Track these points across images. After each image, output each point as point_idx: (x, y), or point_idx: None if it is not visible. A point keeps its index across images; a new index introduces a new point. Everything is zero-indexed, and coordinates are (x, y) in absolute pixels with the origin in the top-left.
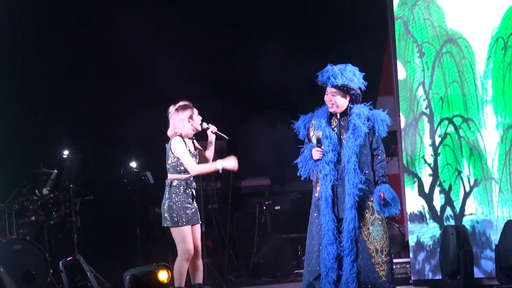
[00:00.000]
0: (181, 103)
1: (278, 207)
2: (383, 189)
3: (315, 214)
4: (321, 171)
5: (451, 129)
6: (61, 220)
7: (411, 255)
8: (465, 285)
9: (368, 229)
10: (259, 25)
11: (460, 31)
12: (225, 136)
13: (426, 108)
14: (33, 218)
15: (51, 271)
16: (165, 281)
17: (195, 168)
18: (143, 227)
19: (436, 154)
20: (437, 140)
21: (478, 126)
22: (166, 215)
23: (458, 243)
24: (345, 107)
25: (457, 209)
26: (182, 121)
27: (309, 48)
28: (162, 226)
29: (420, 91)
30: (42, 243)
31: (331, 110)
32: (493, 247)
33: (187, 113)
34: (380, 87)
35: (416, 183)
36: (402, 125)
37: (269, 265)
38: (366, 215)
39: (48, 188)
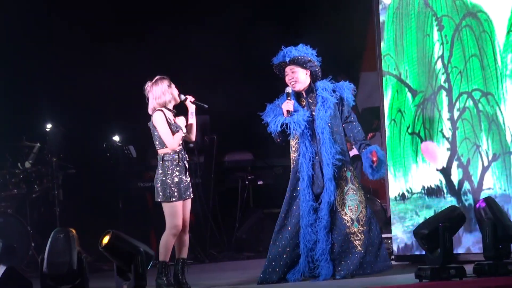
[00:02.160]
0: (158, 76)
1: (261, 182)
2: (373, 149)
3: (294, 194)
4: (296, 132)
5: (470, 103)
6: (43, 193)
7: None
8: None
9: (343, 199)
10: (247, 5)
11: (480, 4)
12: (204, 104)
13: (444, 82)
14: (15, 191)
15: (33, 244)
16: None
17: (173, 142)
18: (125, 201)
19: (454, 128)
20: (456, 114)
21: (497, 100)
22: (159, 189)
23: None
24: (307, 82)
25: (475, 183)
26: (162, 90)
27: (294, 26)
28: (155, 200)
29: (439, 64)
30: (24, 216)
31: (295, 88)
32: None
33: (166, 82)
34: (363, 63)
35: None
36: (420, 100)
37: (251, 240)
38: (341, 185)
39: (30, 162)
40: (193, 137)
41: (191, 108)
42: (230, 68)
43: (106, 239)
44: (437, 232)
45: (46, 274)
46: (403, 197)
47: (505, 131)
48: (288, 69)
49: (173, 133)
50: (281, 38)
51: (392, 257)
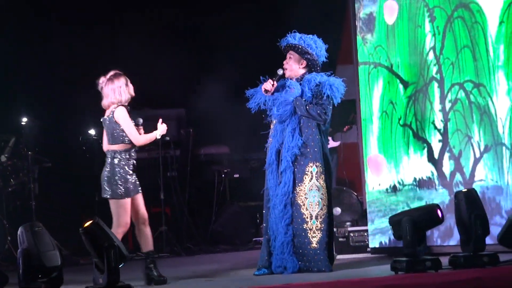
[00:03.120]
0: (112, 72)
1: (237, 175)
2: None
3: (267, 178)
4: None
5: (461, 94)
6: (19, 187)
7: None
8: (475, 250)
9: (305, 194)
10: None
11: None
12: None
13: (436, 73)
14: None
15: (9, 238)
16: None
17: (140, 139)
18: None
19: (446, 119)
20: (448, 105)
21: (489, 92)
22: (106, 186)
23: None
24: (299, 72)
25: (467, 175)
26: (119, 88)
27: (266, 17)
28: (102, 196)
29: (431, 56)
30: (0, 210)
31: (286, 74)
32: (503, 213)
33: (122, 80)
34: (339, 56)
35: (426, 149)
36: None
37: (227, 233)
38: (304, 180)
39: (6, 155)
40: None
41: (157, 134)
42: (205, 60)
43: (88, 223)
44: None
45: (35, 266)
46: (394, 189)
47: (497, 123)
48: (288, 54)
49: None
50: (258, 31)
51: (368, 249)
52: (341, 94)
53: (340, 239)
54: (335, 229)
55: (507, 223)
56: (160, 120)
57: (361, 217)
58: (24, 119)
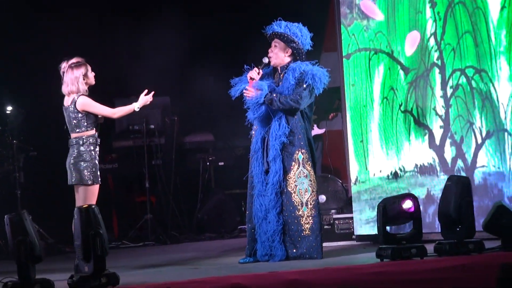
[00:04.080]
0: (74, 59)
1: (222, 163)
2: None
3: (251, 166)
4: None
5: (463, 80)
6: (4, 176)
7: (421, 207)
8: (467, 237)
9: (295, 181)
10: None
11: None
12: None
13: (437, 59)
14: None
15: None
16: None
17: (116, 111)
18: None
19: (447, 105)
20: (449, 91)
21: (491, 77)
22: (74, 172)
23: (460, 194)
24: (285, 61)
25: (469, 161)
26: (77, 79)
27: (249, 3)
28: (69, 183)
29: (432, 41)
30: None
31: (271, 63)
32: (505, 199)
33: (82, 70)
34: (324, 43)
35: (427, 135)
36: (408, 54)
37: (213, 221)
38: (292, 168)
39: None
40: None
41: (136, 106)
42: (190, 49)
43: (84, 207)
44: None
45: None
46: (395, 175)
47: (499, 108)
48: (273, 42)
49: (96, 117)
50: (241, 17)
51: (353, 236)
52: (323, 84)
53: (326, 227)
54: None
55: (492, 210)
56: (146, 91)
57: (346, 205)
58: (9, 108)
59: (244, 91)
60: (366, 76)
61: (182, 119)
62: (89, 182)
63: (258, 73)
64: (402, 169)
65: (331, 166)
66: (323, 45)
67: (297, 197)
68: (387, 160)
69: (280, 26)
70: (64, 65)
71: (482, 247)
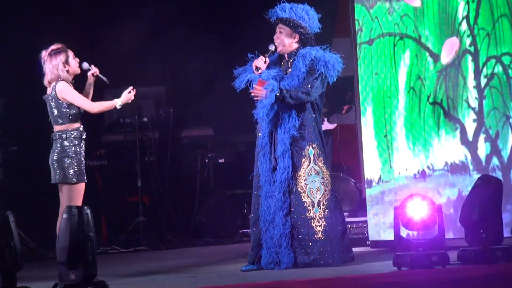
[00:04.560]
0: (53, 46)
1: (222, 160)
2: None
3: (257, 164)
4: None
5: (499, 69)
6: None
7: (451, 210)
8: (494, 243)
9: (305, 180)
10: None
11: None
12: (106, 79)
13: (470, 46)
14: None
15: None
16: None
17: (96, 105)
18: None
19: (481, 97)
20: (483, 81)
21: None
22: (57, 170)
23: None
24: (292, 47)
25: (505, 158)
26: (56, 67)
27: None
28: (52, 182)
29: (464, 26)
30: None
31: (278, 50)
32: None
33: (61, 57)
34: (336, 29)
35: (458, 130)
36: (444, 62)
37: (212, 224)
38: (302, 164)
39: None
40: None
41: (90, 80)
42: (187, 33)
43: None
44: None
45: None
46: (423, 174)
47: None
48: (278, 28)
49: (67, 112)
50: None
51: (368, 242)
52: (337, 71)
53: None
54: None
55: None
56: (130, 88)
57: (360, 207)
58: None
59: (252, 91)
60: (390, 63)
61: (178, 111)
62: (74, 181)
63: (265, 62)
64: (431, 168)
65: (343, 164)
66: (334, 30)
67: (307, 197)
68: (414, 157)
69: (284, 10)
70: (43, 54)
71: (511, 255)
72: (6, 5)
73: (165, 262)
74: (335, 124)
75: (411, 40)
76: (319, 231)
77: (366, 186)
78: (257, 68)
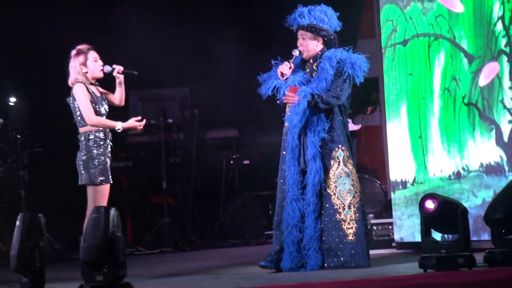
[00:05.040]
0: (78, 46)
1: (247, 162)
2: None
3: (283, 166)
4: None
5: None
6: (7, 174)
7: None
8: None
9: (334, 182)
10: None
11: None
12: (133, 71)
13: (506, 46)
14: None
15: None
16: None
17: (93, 118)
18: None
19: None
20: None
21: None
22: (83, 171)
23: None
24: (317, 50)
25: None
26: (75, 68)
27: None
28: (79, 184)
29: (499, 26)
30: None
31: (303, 55)
32: None
33: (80, 59)
34: (360, 29)
35: (494, 131)
36: (481, 84)
37: (236, 225)
38: (331, 167)
39: None
40: (121, 103)
41: (119, 78)
42: (212, 33)
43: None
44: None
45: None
46: (458, 175)
47: None
48: (299, 34)
49: (95, 110)
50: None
51: (393, 244)
52: (363, 72)
53: None
54: None
55: None
56: (140, 118)
57: (386, 209)
58: (12, 99)
59: (283, 98)
60: (425, 64)
61: (203, 112)
62: (98, 182)
63: (290, 68)
64: (466, 169)
65: (368, 165)
66: (359, 32)
67: (337, 199)
68: (448, 158)
69: (303, 16)
70: (72, 53)
71: None
72: (32, 8)
73: (190, 263)
74: (360, 125)
75: (445, 41)
76: (350, 233)
77: (400, 187)
78: (283, 74)
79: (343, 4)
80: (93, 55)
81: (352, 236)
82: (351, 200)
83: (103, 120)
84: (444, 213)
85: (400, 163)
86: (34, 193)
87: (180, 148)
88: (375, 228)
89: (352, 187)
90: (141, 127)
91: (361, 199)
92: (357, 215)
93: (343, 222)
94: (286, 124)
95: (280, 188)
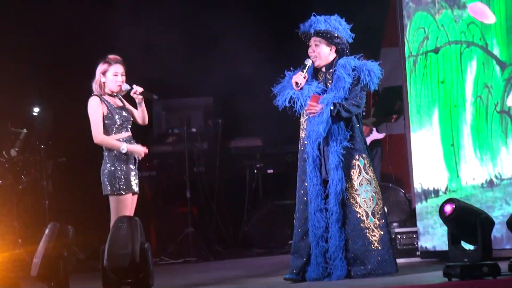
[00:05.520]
0: (109, 55)
1: (271, 171)
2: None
3: (302, 178)
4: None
5: None
6: (31, 184)
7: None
8: None
9: (356, 190)
10: None
11: None
12: (153, 96)
13: None
14: (0, 182)
15: (20, 240)
16: None
17: (99, 137)
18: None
19: None
20: None
21: None
22: (106, 182)
23: None
24: (330, 59)
25: None
26: (96, 76)
27: None
28: (103, 194)
29: None
30: (10, 210)
31: (315, 64)
32: None
33: (103, 67)
34: (384, 38)
35: None
36: (510, 104)
37: (261, 234)
38: (353, 175)
39: (16, 149)
40: (144, 121)
41: (138, 99)
42: (237, 46)
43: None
44: None
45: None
46: (491, 183)
47: None
48: (312, 41)
49: (111, 121)
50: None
51: (418, 253)
52: (378, 78)
53: None
54: None
55: None
56: (146, 148)
57: (410, 217)
58: (36, 109)
59: (306, 109)
60: (457, 72)
61: (227, 121)
62: (121, 192)
63: (304, 77)
64: (499, 177)
65: (392, 174)
66: (382, 40)
67: (360, 207)
68: (481, 166)
69: (319, 22)
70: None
71: None
72: (58, 19)
73: (214, 273)
74: (384, 134)
75: (477, 48)
76: (375, 240)
77: (433, 195)
78: (297, 84)
79: (367, 12)
80: (115, 68)
81: (378, 243)
82: (374, 207)
83: (108, 140)
84: (463, 220)
85: (432, 171)
86: (58, 203)
87: (204, 158)
88: (399, 237)
89: (374, 194)
90: (143, 154)
91: (383, 206)
92: (382, 221)
93: (368, 230)
94: (303, 134)
95: (301, 199)
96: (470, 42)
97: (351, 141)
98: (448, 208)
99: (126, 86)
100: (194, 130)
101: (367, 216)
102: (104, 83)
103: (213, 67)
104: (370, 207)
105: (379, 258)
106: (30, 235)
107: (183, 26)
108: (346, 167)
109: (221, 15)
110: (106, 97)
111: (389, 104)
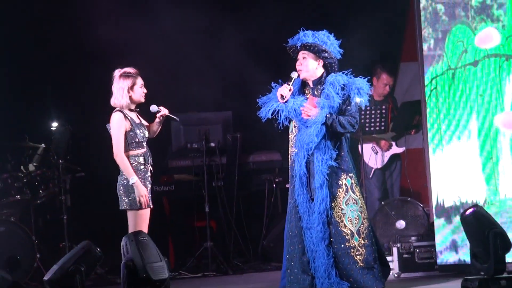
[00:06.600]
0: (126, 68)
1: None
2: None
3: (294, 195)
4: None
5: None
6: (49, 199)
7: None
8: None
9: (342, 209)
10: None
11: None
12: (175, 118)
13: None
14: (18, 197)
15: (38, 255)
16: None
17: (120, 154)
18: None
19: None
20: None
21: None
22: (123, 196)
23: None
24: (317, 74)
25: None
26: (122, 90)
27: (326, 10)
28: (120, 209)
29: None
30: (28, 224)
31: (301, 76)
32: None
33: (128, 82)
34: (402, 51)
35: None
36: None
37: (279, 249)
38: (339, 194)
39: (34, 164)
40: (153, 135)
41: (160, 119)
42: (253, 58)
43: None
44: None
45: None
46: None
47: None
48: (300, 54)
49: (127, 139)
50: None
51: (436, 266)
52: (367, 96)
53: (405, 256)
54: (398, 245)
55: None
56: (149, 197)
57: (428, 231)
58: (54, 124)
59: (301, 108)
60: (495, 85)
61: (246, 136)
62: (138, 206)
63: (290, 90)
64: None
65: (410, 188)
66: (401, 54)
67: (345, 226)
68: None
69: (307, 36)
70: (115, 73)
71: None
72: (76, 36)
73: (233, 286)
74: (403, 148)
75: None
76: (359, 259)
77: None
78: (282, 97)
79: (385, 27)
80: (140, 81)
81: (362, 263)
82: (359, 227)
83: (125, 162)
84: (476, 225)
85: (471, 184)
86: (76, 218)
87: (222, 172)
88: (417, 250)
89: (360, 214)
90: (141, 200)
91: (370, 225)
92: (366, 241)
93: (352, 249)
94: (292, 150)
95: (294, 216)
96: (509, 56)
97: (337, 160)
98: (469, 210)
99: (154, 108)
100: (212, 144)
101: (352, 235)
102: (130, 97)
103: (232, 81)
104: (355, 226)
105: (364, 277)
106: (49, 252)
107: (202, 39)
108: (333, 187)
109: (240, 29)
110: (128, 112)
111: (408, 119)
